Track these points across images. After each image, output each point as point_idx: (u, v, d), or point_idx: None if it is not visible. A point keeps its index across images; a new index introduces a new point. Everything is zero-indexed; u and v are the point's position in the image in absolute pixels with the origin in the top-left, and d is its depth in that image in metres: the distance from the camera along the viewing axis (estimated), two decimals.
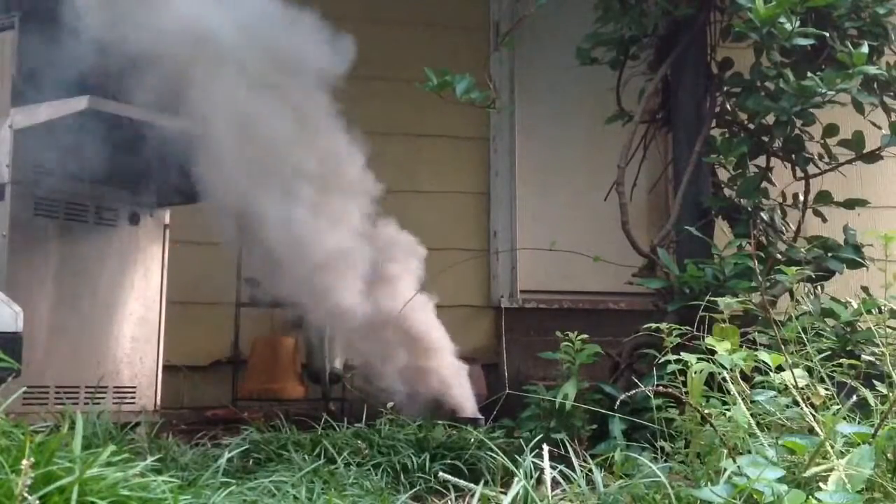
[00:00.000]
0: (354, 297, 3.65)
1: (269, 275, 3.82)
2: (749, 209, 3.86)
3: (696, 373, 2.28)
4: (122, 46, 3.17)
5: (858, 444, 1.73)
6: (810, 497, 1.57)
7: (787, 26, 3.32)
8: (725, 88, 3.98)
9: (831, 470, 1.65)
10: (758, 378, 2.26)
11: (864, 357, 2.88)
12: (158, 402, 3.76)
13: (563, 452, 2.36)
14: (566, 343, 3.39)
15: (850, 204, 3.85)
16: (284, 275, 3.63)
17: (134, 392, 3.68)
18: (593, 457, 2.45)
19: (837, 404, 2.12)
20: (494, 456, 2.65)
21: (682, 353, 2.35)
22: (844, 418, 1.97)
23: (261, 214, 3.52)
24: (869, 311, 3.07)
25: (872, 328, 2.99)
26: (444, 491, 2.52)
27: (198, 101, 3.36)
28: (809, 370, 2.27)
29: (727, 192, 4.01)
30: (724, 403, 2.23)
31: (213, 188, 3.50)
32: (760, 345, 2.85)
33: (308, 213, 3.57)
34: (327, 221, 3.63)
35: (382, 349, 3.78)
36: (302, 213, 3.55)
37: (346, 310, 3.64)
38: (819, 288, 3.68)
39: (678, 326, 2.73)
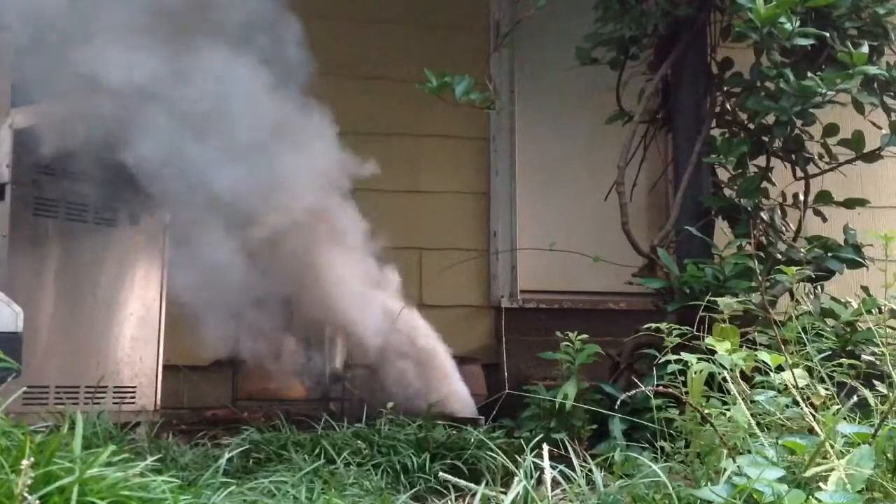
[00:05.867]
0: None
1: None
2: (749, 209, 3.86)
3: (696, 373, 2.28)
4: None
5: (858, 444, 1.73)
6: (810, 497, 1.57)
7: (787, 26, 3.32)
8: (725, 88, 3.98)
9: (831, 470, 1.65)
10: (758, 378, 2.26)
11: (864, 357, 2.88)
12: (158, 402, 3.76)
13: (563, 452, 2.36)
14: (566, 343, 3.38)
15: (850, 204, 3.85)
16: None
17: (134, 392, 3.67)
18: (593, 457, 2.44)
19: (837, 404, 2.12)
20: (494, 456, 2.64)
21: (682, 353, 2.35)
22: (844, 418, 1.97)
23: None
24: (869, 311, 3.07)
25: (872, 328, 2.99)
26: (444, 491, 2.52)
27: None
28: (809, 370, 2.27)
29: (727, 192, 4.00)
30: (724, 403, 2.23)
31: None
32: (760, 345, 2.85)
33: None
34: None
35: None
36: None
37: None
38: (819, 288, 3.68)
39: (678, 326, 2.73)
